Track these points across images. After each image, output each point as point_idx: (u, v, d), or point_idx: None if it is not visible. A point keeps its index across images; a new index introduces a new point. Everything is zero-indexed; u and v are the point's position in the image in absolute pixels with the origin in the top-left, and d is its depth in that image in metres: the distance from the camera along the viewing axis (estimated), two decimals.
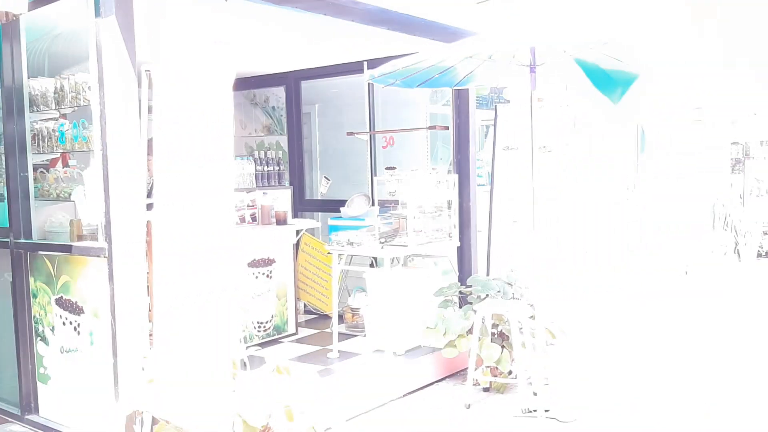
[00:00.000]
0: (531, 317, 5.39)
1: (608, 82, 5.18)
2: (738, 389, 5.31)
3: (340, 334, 6.08)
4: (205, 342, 3.18)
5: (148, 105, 3.56)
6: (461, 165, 6.05)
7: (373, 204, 6.10)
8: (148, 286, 3.75)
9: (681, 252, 10.23)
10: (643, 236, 8.98)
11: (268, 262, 6.13)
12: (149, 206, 3.50)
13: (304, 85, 7.32)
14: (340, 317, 6.42)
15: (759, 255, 11.18)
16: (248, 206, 6.24)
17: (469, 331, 5.23)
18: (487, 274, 6.13)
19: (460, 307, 5.68)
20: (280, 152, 7.23)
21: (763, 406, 4.97)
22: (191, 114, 3.15)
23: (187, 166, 3.17)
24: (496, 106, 6.14)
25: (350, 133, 6.78)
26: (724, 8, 6.52)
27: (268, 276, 6.15)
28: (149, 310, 3.61)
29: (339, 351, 5.77)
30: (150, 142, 3.45)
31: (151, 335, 3.54)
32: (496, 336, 5.42)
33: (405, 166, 6.28)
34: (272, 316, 6.23)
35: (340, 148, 7.21)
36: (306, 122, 7.49)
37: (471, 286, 5.63)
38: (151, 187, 3.64)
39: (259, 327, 6.10)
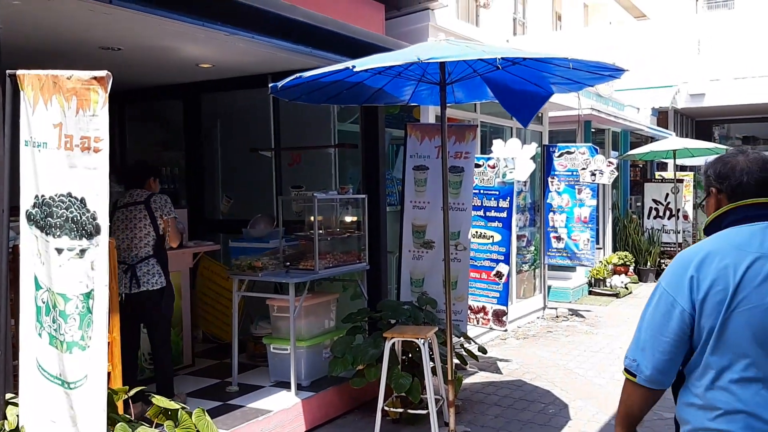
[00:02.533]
0: (442, 342, 5.18)
1: (517, 101, 5.10)
2: None
3: (241, 364, 5.66)
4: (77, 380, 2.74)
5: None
6: (370, 185, 5.79)
7: (277, 225, 5.74)
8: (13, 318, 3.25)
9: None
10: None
11: None
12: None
13: (205, 98, 6.88)
14: (242, 346, 5.99)
15: None
16: None
17: (379, 360, 4.94)
18: (398, 298, 5.89)
19: (370, 333, 5.40)
20: (176, 169, 6.75)
21: None
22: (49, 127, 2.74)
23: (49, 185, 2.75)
24: (406, 124, 5.93)
25: (254, 150, 6.40)
26: None
27: None
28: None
29: (239, 384, 5.35)
30: None
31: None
32: (407, 364, 5.17)
33: (312, 186, 5.98)
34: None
35: (243, 166, 6.80)
36: (207, 138, 7.03)
37: (381, 312, 5.36)
38: None
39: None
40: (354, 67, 3.64)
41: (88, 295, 2.73)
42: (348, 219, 5.79)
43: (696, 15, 17.25)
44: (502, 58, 3.74)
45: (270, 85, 4.16)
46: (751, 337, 1.83)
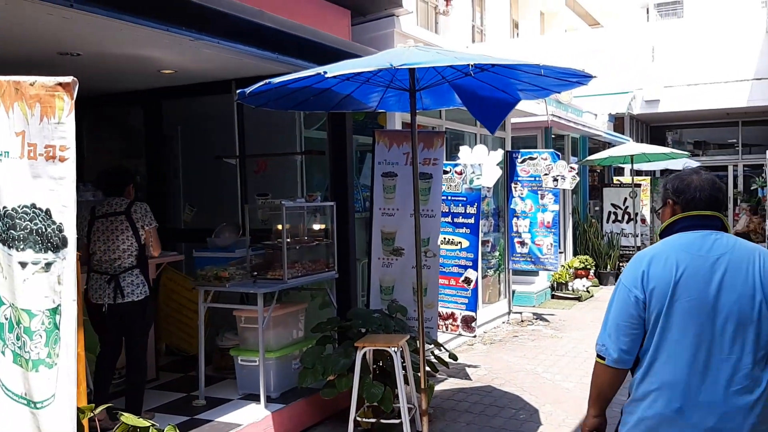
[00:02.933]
0: (413, 350, 5.15)
1: (484, 107, 5.12)
2: None
3: (207, 377, 5.53)
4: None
5: None
6: (338, 192, 5.73)
7: (243, 234, 5.63)
8: None
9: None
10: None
11: None
12: None
13: (166, 105, 6.72)
14: (208, 358, 5.85)
15: None
16: None
17: (350, 370, 4.87)
18: (368, 307, 5.83)
19: (340, 343, 5.33)
20: (136, 177, 6.55)
21: None
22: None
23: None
24: (374, 131, 5.89)
25: (218, 157, 6.27)
26: None
27: None
28: None
29: (206, 397, 5.22)
30: None
31: None
32: (378, 373, 5.11)
33: (278, 193, 5.88)
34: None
35: (206, 174, 6.66)
36: (168, 145, 6.87)
37: (351, 320, 5.30)
38: None
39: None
40: (326, 73, 3.59)
41: (55, 311, 2.61)
42: (316, 227, 5.72)
43: (649, 23, 17.67)
44: (474, 65, 3.73)
45: (238, 91, 4.07)
46: (685, 325, 2.26)
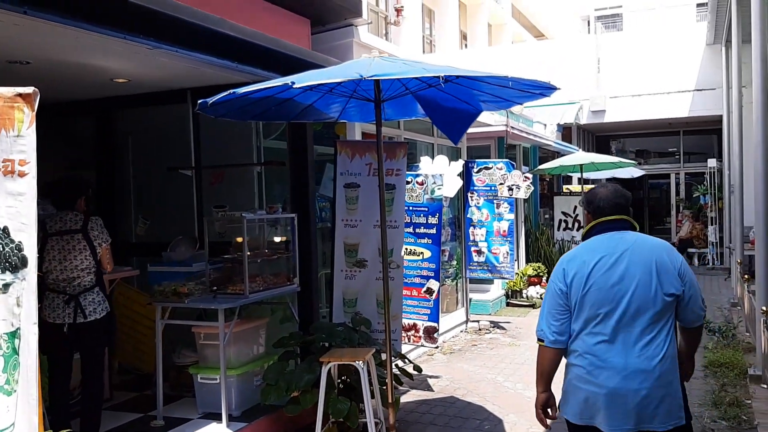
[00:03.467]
0: (379, 364, 5.09)
1: (447, 118, 5.12)
2: None
3: (165, 396, 5.34)
4: None
5: None
6: (299, 203, 5.63)
7: (200, 247, 5.47)
8: None
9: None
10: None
11: None
12: None
13: (119, 114, 6.50)
14: (164, 376, 5.66)
15: None
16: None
17: (315, 385, 4.77)
18: (331, 320, 5.74)
19: (303, 358, 5.22)
20: (89, 189, 6.31)
21: None
22: None
23: None
24: (336, 141, 5.82)
25: (172, 169, 6.09)
26: None
27: None
28: None
29: (164, 417, 5.04)
30: None
31: None
32: (343, 388, 5.03)
33: (236, 205, 5.75)
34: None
35: (161, 186, 6.46)
36: (121, 156, 6.64)
37: (314, 335, 5.20)
38: None
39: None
40: (293, 83, 3.52)
41: (14, 335, 2.45)
42: (276, 239, 5.61)
43: (594, 36, 18.13)
44: (443, 77, 3.71)
45: (199, 101, 3.94)
46: (596, 306, 2.88)
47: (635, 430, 2.87)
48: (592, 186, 3.52)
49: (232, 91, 3.72)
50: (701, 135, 18.73)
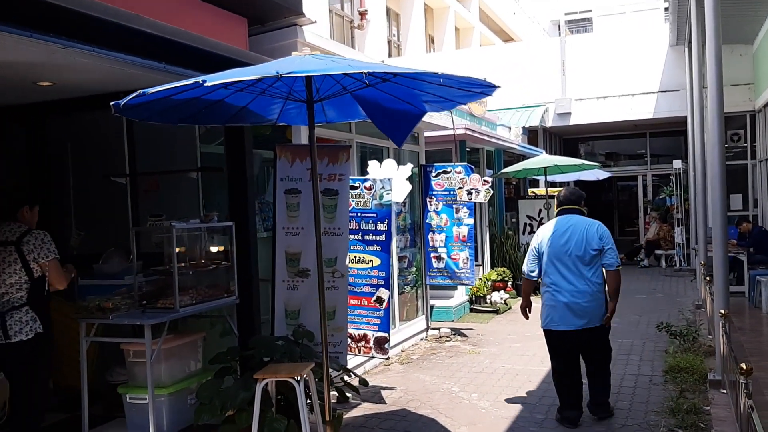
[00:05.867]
0: (319, 379, 4.82)
1: (389, 120, 4.89)
2: None
3: (97, 417, 5.06)
4: None
5: None
6: (237, 211, 5.36)
7: (133, 259, 5.17)
8: None
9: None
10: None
11: None
12: None
13: (51, 121, 6.17)
14: (98, 396, 5.35)
15: None
16: None
17: (251, 403, 4.49)
18: (272, 333, 5.47)
19: (242, 374, 4.94)
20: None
21: None
22: None
23: None
24: (275, 145, 5.55)
25: (105, 176, 5.78)
26: None
27: None
28: None
29: None
30: None
31: None
32: (283, 404, 4.76)
33: (175, 214, 5.46)
34: (5, 404, 4.97)
35: (95, 195, 6.14)
36: (54, 165, 6.30)
37: (253, 349, 4.92)
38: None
39: None
40: (204, 81, 3.26)
41: None
42: (214, 249, 5.33)
43: (559, 38, 18.07)
44: (369, 74, 3.48)
45: (112, 103, 3.67)
46: (554, 257, 5.18)
47: (580, 327, 5.14)
48: (560, 189, 5.49)
49: (141, 91, 3.46)
50: (668, 137, 18.76)
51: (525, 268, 5.35)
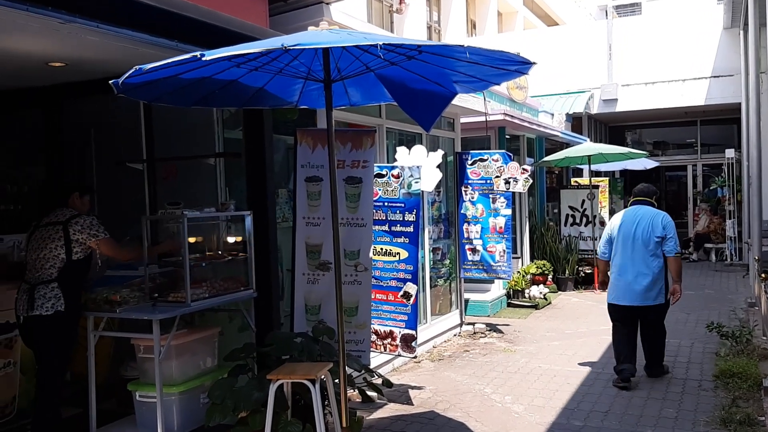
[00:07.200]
0: (336, 381, 4.51)
1: (417, 101, 4.53)
2: None
3: (109, 413, 4.85)
4: None
5: None
6: (256, 199, 5.07)
7: (144, 250, 4.91)
8: None
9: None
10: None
11: (7, 327, 4.72)
12: None
13: (67, 104, 5.96)
14: (112, 392, 5.15)
15: None
16: None
17: (265, 405, 4.21)
18: (292, 329, 5.17)
19: (259, 372, 4.66)
20: (25, 187, 5.80)
21: None
22: None
23: None
24: (296, 130, 5.23)
25: (120, 162, 5.55)
26: None
27: (6, 346, 4.75)
28: None
29: None
30: None
31: None
32: (302, 405, 4.47)
33: (194, 202, 5.19)
34: (15, 398, 4.81)
35: (112, 181, 5.92)
36: (71, 149, 6.09)
37: (270, 346, 4.63)
38: None
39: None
40: (203, 55, 2.95)
41: None
42: (231, 240, 5.05)
43: (606, 21, 17.33)
44: (385, 46, 3.12)
45: (111, 82, 3.40)
46: (623, 241, 6.03)
47: (639, 304, 5.93)
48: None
49: (138, 67, 3.17)
50: (720, 125, 17.85)
51: (599, 249, 6.35)
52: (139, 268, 5.07)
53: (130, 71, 3.21)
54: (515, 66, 3.85)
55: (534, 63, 3.67)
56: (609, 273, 6.17)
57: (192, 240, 4.82)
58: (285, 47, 2.90)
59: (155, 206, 5.56)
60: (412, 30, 15.90)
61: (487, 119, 9.09)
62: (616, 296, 6.04)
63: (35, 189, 5.98)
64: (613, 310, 6.12)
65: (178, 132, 5.69)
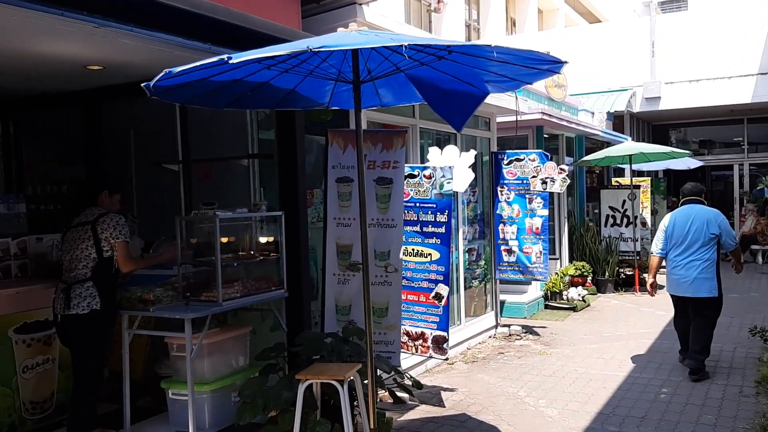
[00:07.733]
0: (365, 382, 4.51)
1: (448, 102, 4.50)
2: None
3: (144, 409, 4.94)
4: None
5: None
6: (288, 200, 5.10)
7: (177, 249, 4.99)
8: None
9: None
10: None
11: (46, 325, 4.84)
12: None
13: (106, 106, 6.09)
14: (147, 389, 5.24)
15: None
16: (15, 256, 4.95)
17: (295, 404, 4.23)
18: (322, 329, 5.19)
19: (289, 372, 4.69)
20: (65, 187, 5.95)
21: None
22: None
23: None
24: (326, 131, 5.25)
25: (156, 163, 5.65)
26: None
27: (45, 343, 4.87)
28: None
29: None
30: None
31: None
32: (332, 404, 4.47)
33: (228, 203, 5.25)
34: (53, 394, 4.94)
35: (150, 182, 6.03)
36: (109, 150, 6.22)
37: (300, 346, 4.66)
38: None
39: (34, 409, 4.79)
40: (230, 58, 2.98)
41: None
42: (263, 240, 5.09)
43: (649, 18, 16.96)
44: (415, 47, 3.10)
45: (142, 84, 3.46)
46: (677, 238, 6.39)
47: (690, 295, 6.30)
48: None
49: (167, 70, 3.22)
50: (767, 123, 17.32)
51: (654, 248, 6.62)
52: (173, 267, 5.16)
53: (161, 74, 3.26)
54: (547, 65, 3.78)
55: (565, 62, 3.59)
56: (664, 268, 6.64)
57: (224, 240, 4.88)
58: (311, 49, 2.90)
59: (191, 206, 5.64)
60: (450, 29, 15.81)
61: (523, 118, 8.98)
62: (671, 287, 6.52)
63: (74, 189, 6.11)
64: (673, 297, 6.62)
65: (213, 133, 5.77)
